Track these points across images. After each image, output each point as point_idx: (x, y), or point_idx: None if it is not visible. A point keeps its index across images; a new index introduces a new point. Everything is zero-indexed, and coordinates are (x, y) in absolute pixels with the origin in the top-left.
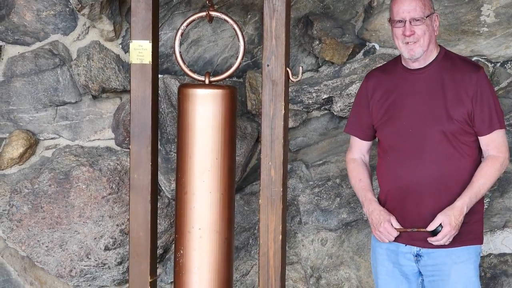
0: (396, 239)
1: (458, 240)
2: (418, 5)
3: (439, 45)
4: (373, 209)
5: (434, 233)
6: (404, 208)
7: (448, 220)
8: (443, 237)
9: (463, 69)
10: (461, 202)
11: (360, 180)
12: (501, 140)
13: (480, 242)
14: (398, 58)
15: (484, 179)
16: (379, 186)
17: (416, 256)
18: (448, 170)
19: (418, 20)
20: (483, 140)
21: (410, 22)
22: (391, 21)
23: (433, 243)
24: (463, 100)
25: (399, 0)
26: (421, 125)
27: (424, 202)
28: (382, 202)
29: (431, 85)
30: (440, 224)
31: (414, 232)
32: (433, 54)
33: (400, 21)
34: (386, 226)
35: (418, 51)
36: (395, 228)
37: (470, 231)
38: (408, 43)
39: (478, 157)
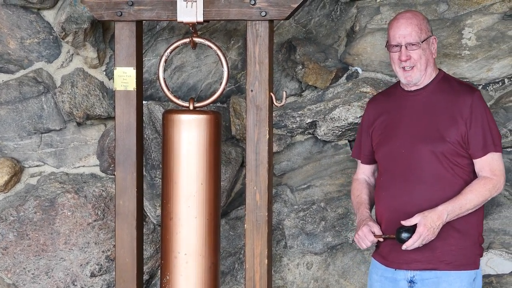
0: (386, 264)
1: (450, 264)
2: (414, 29)
3: (438, 68)
4: (360, 218)
5: (400, 239)
6: (392, 228)
7: (424, 221)
8: (416, 240)
9: (458, 91)
10: (443, 207)
11: (357, 196)
12: (496, 163)
13: (475, 267)
14: (399, 80)
15: (472, 194)
16: (376, 205)
17: (410, 282)
18: (438, 191)
19: (414, 45)
20: (478, 163)
21: (406, 47)
22: (387, 45)
23: (407, 247)
24: (457, 122)
25: (395, 25)
26: (413, 145)
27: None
28: (378, 222)
29: (426, 106)
30: (408, 231)
31: (405, 256)
32: (431, 76)
33: (396, 46)
34: (364, 229)
35: (415, 77)
36: (374, 234)
37: (463, 256)
38: (404, 68)
39: (471, 180)
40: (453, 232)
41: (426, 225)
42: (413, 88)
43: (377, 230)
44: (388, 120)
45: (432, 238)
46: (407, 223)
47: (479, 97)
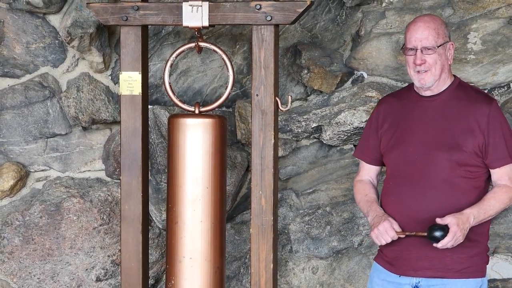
0: (391, 269)
1: (458, 272)
2: (431, 33)
3: (454, 75)
4: (376, 214)
5: (433, 237)
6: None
7: (456, 221)
8: (451, 239)
9: (475, 100)
10: (469, 211)
11: (366, 195)
12: None
13: (481, 275)
14: (412, 84)
15: (495, 200)
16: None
17: (414, 287)
18: (449, 199)
19: (429, 49)
20: (495, 173)
21: (422, 51)
22: (404, 48)
23: (442, 246)
24: (474, 131)
25: (412, 28)
26: (427, 152)
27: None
28: None
29: (442, 113)
30: (440, 229)
31: (411, 262)
32: (446, 83)
33: (412, 49)
34: (385, 224)
35: (429, 80)
36: (395, 231)
37: (470, 263)
38: (419, 71)
39: (484, 190)
40: (465, 241)
41: (459, 225)
42: (427, 94)
43: (396, 227)
44: (401, 124)
45: (461, 241)
46: (441, 221)
47: (497, 106)
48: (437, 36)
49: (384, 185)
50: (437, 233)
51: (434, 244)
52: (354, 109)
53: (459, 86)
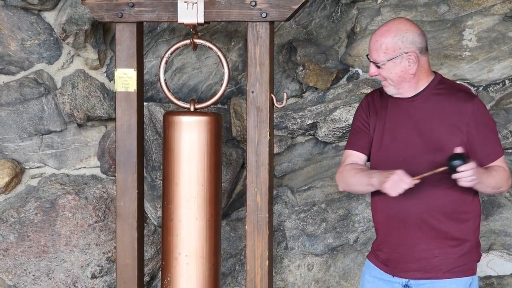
0: (385, 270)
1: (447, 272)
2: (379, 49)
3: (434, 72)
4: (381, 173)
5: (452, 168)
6: (392, 237)
7: (476, 165)
8: (471, 170)
9: (457, 98)
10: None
11: (361, 169)
12: (504, 165)
13: (471, 273)
14: None
15: (496, 172)
16: (372, 214)
17: (404, 286)
18: (434, 200)
19: (378, 63)
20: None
21: (374, 63)
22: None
23: (458, 177)
24: (457, 130)
25: (372, 37)
26: (410, 154)
27: (409, 232)
28: (376, 230)
29: (423, 113)
30: (459, 158)
31: (403, 264)
32: (421, 84)
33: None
34: (399, 172)
35: (389, 90)
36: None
37: (458, 263)
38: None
39: (470, 190)
40: (451, 240)
41: (477, 168)
42: (406, 96)
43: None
44: (384, 124)
45: (473, 184)
46: (459, 150)
47: (479, 103)
48: (384, 53)
49: None
50: (456, 162)
51: (453, 176)
52: (350, 106)
53: (439, 84)
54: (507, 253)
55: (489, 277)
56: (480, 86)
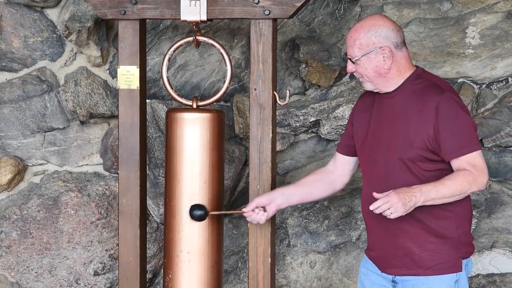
0: (376, 265)
1: (429, 269)
2: (353, 45)
3: (416, 66)
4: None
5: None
6: (373, 233)
7: (396, 191)
8: (386, 200)
9: (426, 93)
10: (418, 186)
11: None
12: (475, 161)
13: (455, 270)
14: None
15: (450, 181)
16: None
17: (392, 282)
18: None
19: (353, 58)
20: (454, 165)
21: (350, 59)
22: None
23: (372, 208)
24: (423, 126)
25: (346, 36)
26: (385, 152)
27: (390, 229)
28: (366, 226)
29: (398, 110)
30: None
31: (389, 261)
32: (398, 80)
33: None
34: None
35: (367, 86)
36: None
37: (439, 260)
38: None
39: None
40: (430, 237)
41: (398, 193)
42: (384, 91)
43: (254, 203)
44: (368, 122)
45: (403, 213)
46: (378, 195)
47: (447, 97)
48: (358, 48)
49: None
50: (195, 212)
51: (370, 207)
52: (352, 104)
53: (417, 79)
54: (510, 251)
55: (492, 274)
56: (483, 83)
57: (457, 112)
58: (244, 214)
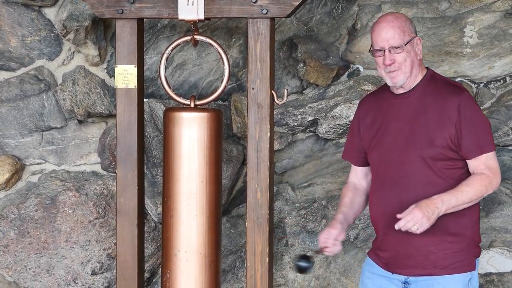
0: (385, 268)
1: (445, 268)
2: (397, 32)
3: (426, 67)
4: (333, 221)
5: (298, 268)
6: (389, 235)
7: (418, 205)
8: (410, 218)
9: (445, 92)
10: (437, 196)
11: (341, 200)
12: (491, 162)
13: (469, 269)
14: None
15: (468, 187)
16: (369, 211)
17: (404, 283)
18: (427, 196)
19: (397, 48)
20: (471, 164)
21: (390, 51)
22: (372, 50)
23: (397, 227)
24: (445, 125)
25: (377, 29)
26: (402, 151)
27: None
28: (374, 228)
29: (414, 110)
30: (305, 261)
31: (401, 262)
32: (417, 78)
33: (380, 50)
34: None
35: (400, 78)
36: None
37: (456, 259)
38: (390, 71)
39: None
40: (447, 236)
41: (421, 208)
42: (400, 91)
43: (327, 234)
44: (378, 124)
45: (428, 226)
46: (402, 215)
47: (467, 97)
48: (403, 34)
49: (370, 187)
50: (300, 264)
51: (395, 226)
52: (350, 103)
53: (431, 80)
54: (508, 250)
55: (490, 274)
56: (481, 83)
57: (477, 111)
58: (326, 251)
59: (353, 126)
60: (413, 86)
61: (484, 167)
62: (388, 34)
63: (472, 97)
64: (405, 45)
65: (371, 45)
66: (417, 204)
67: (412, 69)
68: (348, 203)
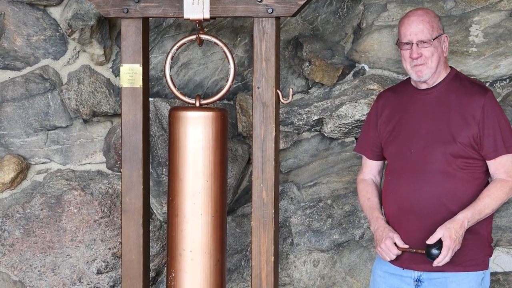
0: (395, 263)
1: (459, 265)
2: (426, 27)
3: (450, 66)
4: (378, 226)
5: (431, 256)
6: (404, 229)
7: (448, 233)
8: (446, 254)
9: (470, 92)
10: (463, 216)
11: (368, 199)
12: (510, 164)
13: (483, 268)
14: (409, 78)
15: (490, 198)
16: (383, 206)
17: (416, 281)
18: (447, 192)
19: (425, 42)
20: (491, 165)
21: (417, 45)
22: (398, 43)
23: (438, 264)
24: (469, 123)
25: (407, 22)
26: (423, 146)
27: (422, 224)
28: (388, 221)
29: (437, 106)
30: (437, 247)
31: (414, 256)
32: (441, 75)
33: (407, 43)
34: (387, 243)
35: (426, 73)
36: (397, 247)
37: (470, 257)
38: (416, 65)
39: (484, 181)
40: (465, 232)
41: (451, 237)
42: (424, 87)
43: (398, 241)
44: (398, 118)
45: (458, 248)
46: (431, 241)
47: (492, 97)
48: (431, 29)
49: (384, 180)
50: (434, 251)
51: (434, 264)
52: (356, 102)
53: (455, 78)
54: None
55: (495, 273)
56: (486, 82)
57: (501, 112)
58: (409, 250)
59: (370, 119)
60: (436, 83)
61: (503, 170)
62: (417, 28)
63: (495, 98)
64: (433, 40)
65: (398, 38)
66: (447, 233)
67: (438, 65)
68: (378, 202)
